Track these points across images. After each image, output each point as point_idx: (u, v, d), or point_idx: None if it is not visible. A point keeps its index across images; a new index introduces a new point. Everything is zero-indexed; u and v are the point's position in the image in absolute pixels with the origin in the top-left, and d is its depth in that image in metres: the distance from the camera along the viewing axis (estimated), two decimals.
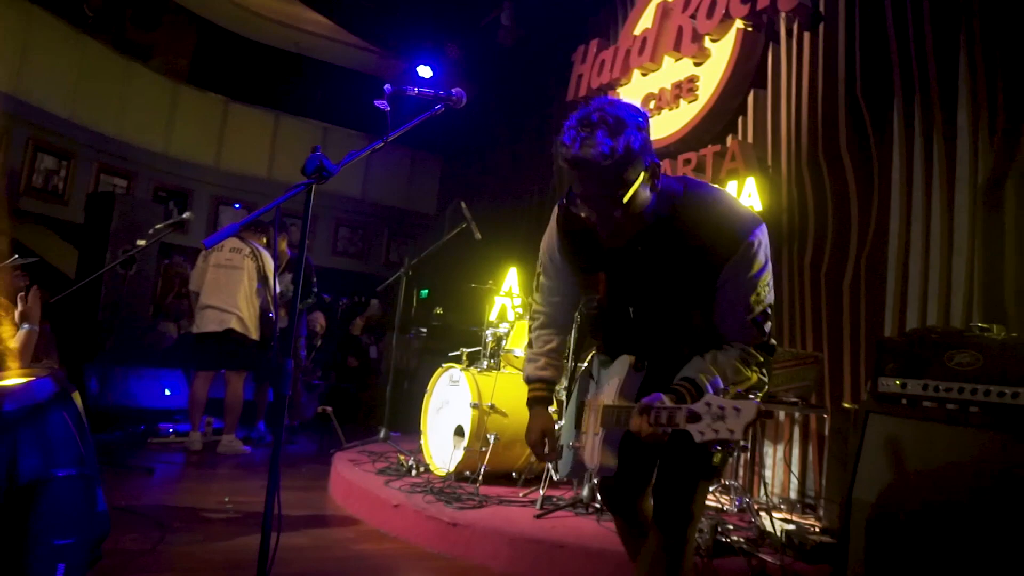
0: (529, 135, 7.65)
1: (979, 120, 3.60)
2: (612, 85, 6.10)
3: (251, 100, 10.07)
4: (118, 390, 5.62)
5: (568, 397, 2.28)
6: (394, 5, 7.96)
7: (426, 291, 8.39)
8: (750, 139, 4.89)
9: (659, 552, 1.85)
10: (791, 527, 3.27)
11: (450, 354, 4.94)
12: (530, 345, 2.09)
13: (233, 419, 5.31)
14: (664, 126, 5.31)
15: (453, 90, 2.08)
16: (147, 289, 6.66)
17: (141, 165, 9.03)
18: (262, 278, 5.32)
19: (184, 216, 4.90)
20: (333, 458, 4.63)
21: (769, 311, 1.72)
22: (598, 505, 3.60)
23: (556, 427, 2.15)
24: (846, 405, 3.67)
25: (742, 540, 3.16)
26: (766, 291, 1.70)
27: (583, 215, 1.66)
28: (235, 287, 5.25)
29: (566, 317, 2.08)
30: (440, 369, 4.54)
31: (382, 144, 1.90)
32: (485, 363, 4.70)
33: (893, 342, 2.95)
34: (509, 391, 4.34)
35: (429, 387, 4.57)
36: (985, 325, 2.74)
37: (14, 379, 1.78)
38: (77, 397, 1.90)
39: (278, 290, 5.43)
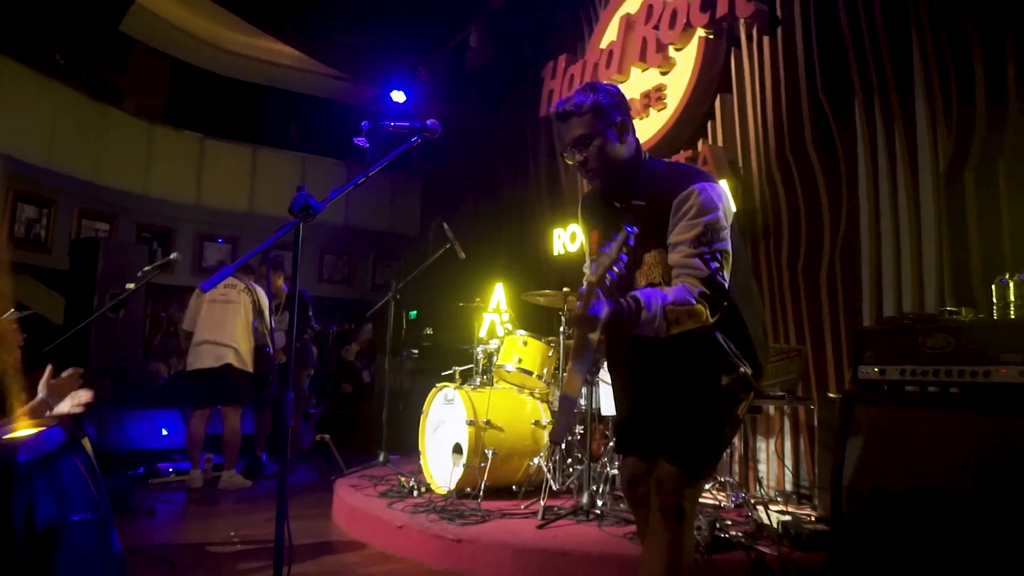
0: (506, 152, 7.76)
1: (935, 111, 3.75)
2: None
3: (227, 135, 10.13)
4: (115, 434, 5.62)
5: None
6: (362, 33, 8.07)
7: (415, 312, 8.46)
8: (720, 143, 5.02)
9: (660, 550, 1.95)
10: (787, 518, 3.35)
11: (443, 373, 5.00)
12: None
13: (232, 454, 5.33)
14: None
15: (428, 121, 2.17)
16: (137, 331, 6.68)
17: (122, 207, 9.06)
18: (258, 312, 5.38)
19: (171, 257, 4.93)
20: (335, 485, 4.67)
21: (720, 256, 1.89)
22: (599, 511, 3.67)
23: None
24: (831, 395, 3.77)
25: (740, 534, 3.24)
26: (712, 235, 1.89)
27: (571, 161, 2.07)
28: (232, 321, 5.29)
29: None
30: (434, 389, 4.61)
31: (364, 179, 1.99)
32: (478, 380, 4.76)
33: (869, 331, 3.07)
34: (504, 406, 4.41)
35: (424, 407, 4.63)
36: (954, 309, 2.86)
37: (25, 429, 1.84)
38: (87, 442, 1.96)
39: (274, 325, 5.47)
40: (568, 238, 6.16)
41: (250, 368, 5.33)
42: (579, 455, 4.25)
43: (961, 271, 3.56)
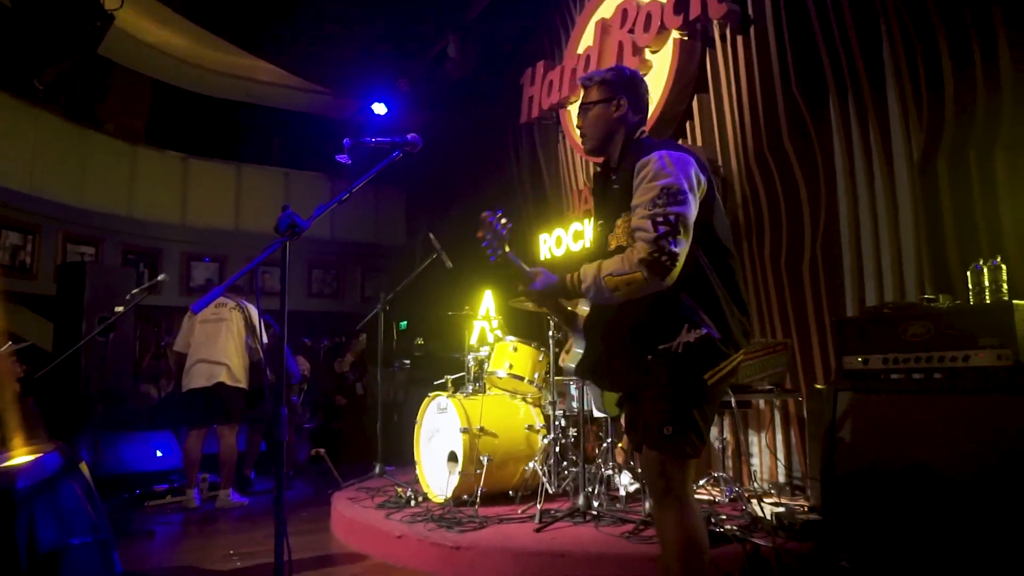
0: (488, 160, 7.81)
1: (907, 102, 3.83)
2: (563, 103, 6.29)
3: (210, 154, 10.13)
4: (109, 458, 5.61)
5: None
6: (341, 47, 8.10)
7: (405, 323, 8.46)
8: (699, 142, 5.09)
9: (662, 532, 2.08)
10: (780, 510, 3.41)
11: (435, 382, 5.03)
12: None
13: (229, 472, 5.33)
14: None
15: (408, 136, 2.21)
16: (127, 354, 6.66)
17: (107, 230, 9.04)
18: (250, 329, 5.38)
19: (159, 278, 4.94)
20: (332, 498, 4.68)
21: (673, 220, 1.91)
22: (595, 512, 3.71)
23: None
24: (818, 386, 3.83)
25: (735, 528, 3.29)
26: (666, 199, 1.94)
27: (575, 125, 2.35)
28: (224, 339, 5.30)
29: None
30: (427, 398, 4.63)
31: (347, 196, 2.02)
32: (470, 387, 4.80)
33: (852, 321, 3.13)
34: (497, 412, 4.44)
35: (418, 417, 4.65)
36: (932, 296, 2.92)
37: (23, 456, 1.86)
38: (84, 467, 1.97)
39: (266, 341, 5.47)
40: (554, 243, 6.21)
41: (244, 384, 5.33)
42: (573, 457, 4.29)
43: (938, 258, 3.62)
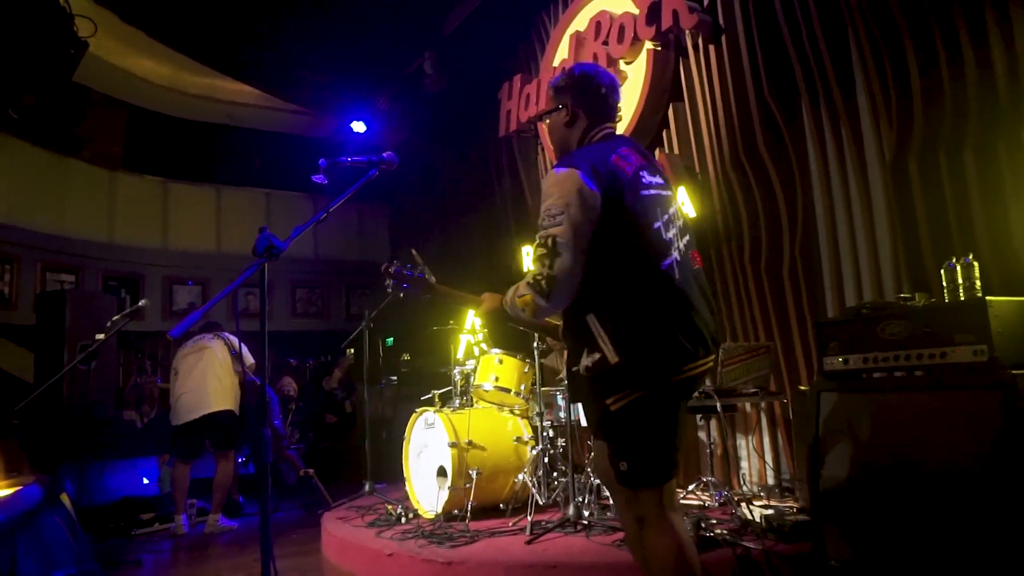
0: (470, 174, 7.83)
1: (876, 105, 3.90)
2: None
3: (190, 177, 10.08)
4: (95, 487, 5.53)
5: None
6: (318, 67, 8.11)
7: (391, 339, 8.45)
8: (676, 150, 5.14)
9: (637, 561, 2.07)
10: (770, 512, 3.43)
11: (422, 398, 5.02)
12: None
13: (221, 497, 5.29)
14: None
15: (384, 154, 2.22)
16: (110, 382, 6.59)
17: (87, 258, 8.95)
18: (234, 355, 5.37)
19: (140, 304, 4.91)
20: (322, 518, 4.65)
21: (547, 242, 1.90)
22: (586, 522, 3.71)
23: None
24: (802, 388, 3.86)
25: (725, 532, 3.30)
26: (546, 220, 1.93)
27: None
28: (205, 367, 5.28)
29: None
30: (414, 414, 4.62)
31: (325, 215, 2.03)
32: (457, 402, 4.79)
33: (832, 323, 3.16)
34: (484, 425, 4.44)
35: (406, 433, 4.64)
36: (908, 295, 2.96)
37: (2, 490, 1.83)
38: (66, 498, 1.95)
39: (252, 360, 5.43)
40: None
41: (233, 407, 5.29)
42: (563, 468, 4.29)
43: (914, 257, 3.68)
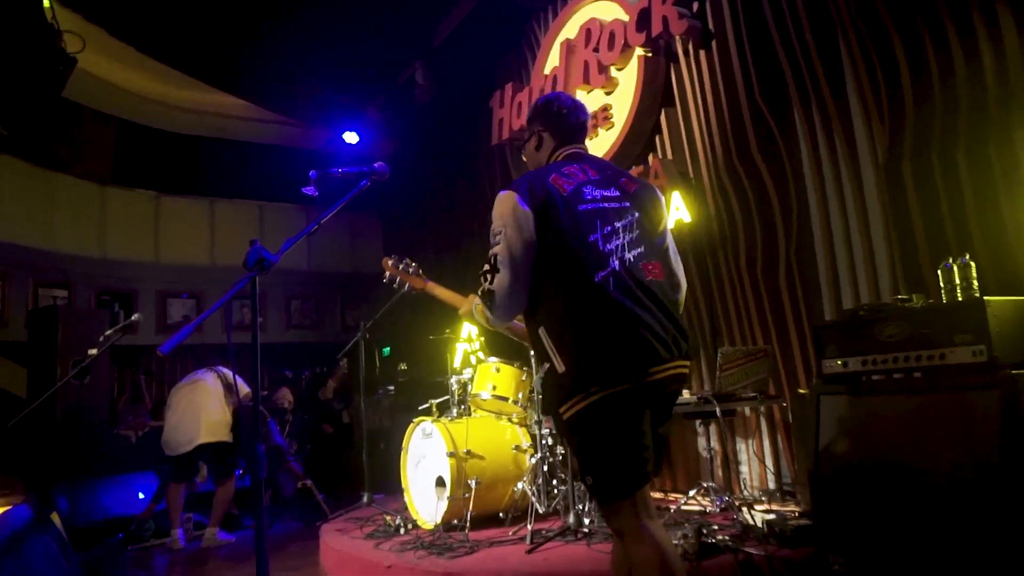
0: (462, 182, 7.83)
1: (868, 106, 3.90)
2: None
3: (182, 191, 10.05)
4: (90, 504, 5.47)
5: None
6: (308, 78, 8.10)
7: (388, 349, 8.41)
8: (669, 155, 5.14)
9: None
10: (771, 516, 3.39)
11: (420, 407, 4.99)
12: None
13: (220, 513, 5.26)
14: None
15: (375, 164, 2.20)
16: (104, 397, 6.54)
17: (79, 273, 8.90)
18: (226, 386, 5.36)
19: (133, 319, 4.88)
20: (320, 531, 4.61)
21: (492, 259, 2.07)
22: (587, 530, 3.67)
23: None
24: (801, 391, 3.85)
25: (727, 538, 3.27)
26: (492, 240, 2.09)
27: None
28: (198, 398, 5.27)
29: None
30: (412, 424, 4.59)
31: (316, 228, 2.00)
32: (455, 411, 4.76)
33: (830, 325, 3.15)
34: (483, 434, 4.41)
35: (404, 443, 4.60)
36: (905, 296, 2.95)
37: None
38: (56, 517, 1.92)
39: (247, 390, 5.39)
40: None
41: (227, 438, 5.25)
42: (562, 475, 4.26)
43: (909, 258, 3.68)
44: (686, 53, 4.97)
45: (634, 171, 5.17)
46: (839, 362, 2.94)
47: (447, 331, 5.39)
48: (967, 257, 2.72)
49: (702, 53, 4.84)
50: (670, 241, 2.26)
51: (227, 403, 5.34)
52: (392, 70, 8.02)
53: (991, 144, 3.37)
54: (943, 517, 2.44)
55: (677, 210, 4.75)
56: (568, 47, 5.81)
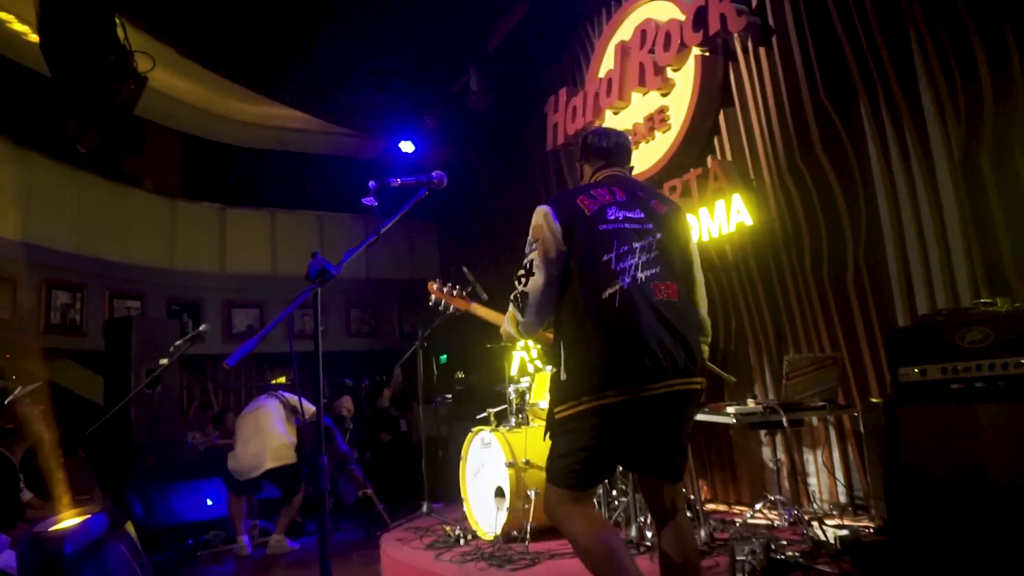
0: (517, 189, 7.81)
1: (941, 98, 3.71)
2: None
3: (245, 203, 10.38)
4: (161, 509, 5.67)
5: None
6: (364, 89, 8.24)
7: (445, 357, 8.46)
8: (729, 157, 5.01)
9: None
10: (844, 532, 3.25)
11: (478, 416, 4.98)
12: None
13: (287, 522, 5.37)
14: (644, 158, 5.45)
15: (433, 174, 2.21)
16: (174, 405, 6.77)
17: (150, 284, 9.27)
18: (290, 409, 5.48)
19: (201, 328, 5.05)
20: (380, 540, 4.64)
21: (527, 264, 2.16)
22: (649, 543, 3.59)
23: None
24: (874, 400, 3.69)
25: (797, 554, 3.15)
26: (528, 248, 2.18)
27: None
28: (262, 424, 5.39)
29: None
30: (470, 433, 4.58)
31: (376, 238, 2.02)
32: (513, 420, 4.72)
33: (904, 331, 3.01)
34: (541, 444, 4.35)
35: (462, 453, 4.59)
36: (989, 300, 2.79)
37: (70, 519, 1.86)
38: (130, 526, 1.97)
39: (312, 409, 5.49)
40: None
41: (292, 460, 5.34)
42: (623, 487, 4.18)
43: (991, 259, 3.48)
44: (745, 51, 4.85)
45: (692, 173, 5.06)
46: (916, 370, 2.80)
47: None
48: None
49: (762, 50, 4.70)
50: (696, 261, 2.34)
51: (290, 423, 5.45)
52: (447, 78, 8.09)
53: None
54: None
55: (738, 213, 4.63)
56: (623, 49, 5.74)
